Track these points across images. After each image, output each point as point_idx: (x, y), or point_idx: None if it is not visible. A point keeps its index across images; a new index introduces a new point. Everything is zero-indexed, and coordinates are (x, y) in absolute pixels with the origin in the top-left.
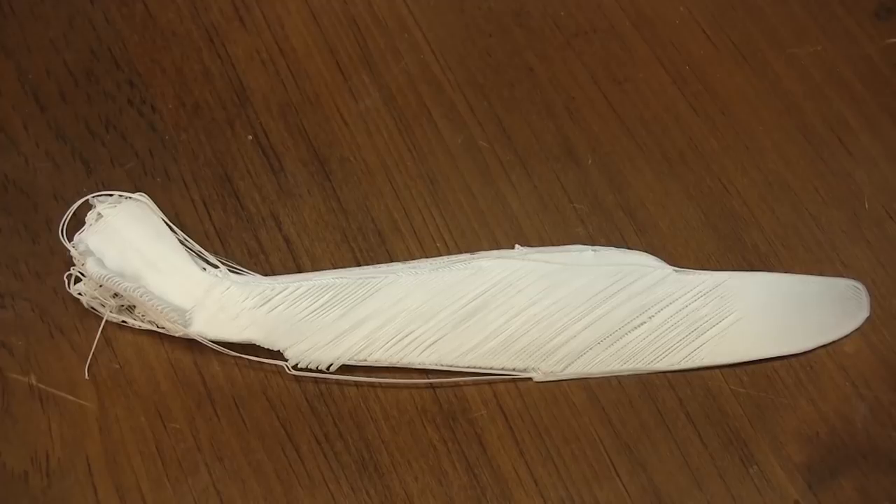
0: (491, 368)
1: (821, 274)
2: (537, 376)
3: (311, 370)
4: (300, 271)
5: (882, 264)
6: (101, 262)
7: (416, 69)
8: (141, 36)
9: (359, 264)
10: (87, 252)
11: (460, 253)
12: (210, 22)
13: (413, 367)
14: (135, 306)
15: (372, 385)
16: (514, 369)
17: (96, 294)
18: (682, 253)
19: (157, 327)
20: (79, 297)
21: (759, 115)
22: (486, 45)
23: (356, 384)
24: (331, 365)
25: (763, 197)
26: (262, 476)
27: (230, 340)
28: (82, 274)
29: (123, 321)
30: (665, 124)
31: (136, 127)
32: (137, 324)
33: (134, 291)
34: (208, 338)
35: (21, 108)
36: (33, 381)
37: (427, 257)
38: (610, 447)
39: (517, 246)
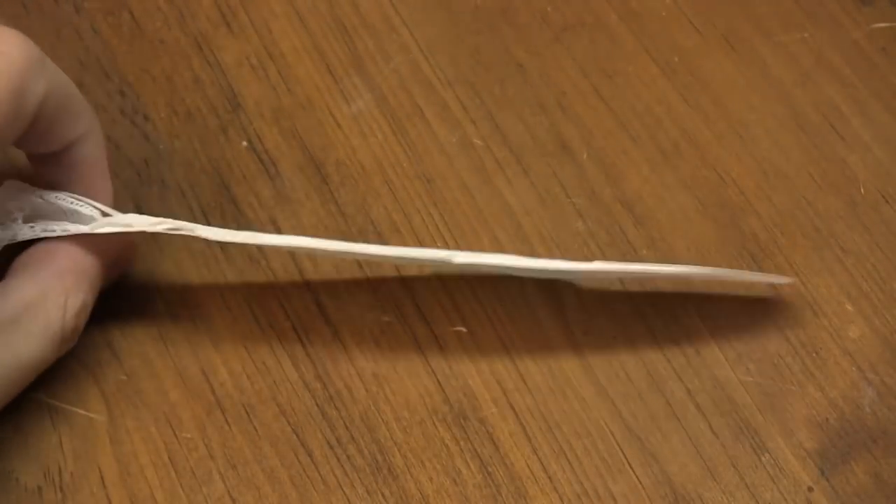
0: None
1: (820, 260)
2: (458, 258)
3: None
4: (302, 275)
5: (881, 248)
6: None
7: (407, 69)
8: (129, 45)
9: (360, 264)
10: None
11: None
12: (198, 29)
13: (327, 251)
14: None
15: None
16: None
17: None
18: (682, 244)
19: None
20: None
21: (750, 103)
22: (475, 43)
23: (365, 387)
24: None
25: (759, 185)
26: (277, 483)
27: (141, 228)
28: None
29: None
30: (657, 116)
31: (130, 137)
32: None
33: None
34: (119, 224)
35: None
36: (42, 396)
37: None
38: (622, 440)
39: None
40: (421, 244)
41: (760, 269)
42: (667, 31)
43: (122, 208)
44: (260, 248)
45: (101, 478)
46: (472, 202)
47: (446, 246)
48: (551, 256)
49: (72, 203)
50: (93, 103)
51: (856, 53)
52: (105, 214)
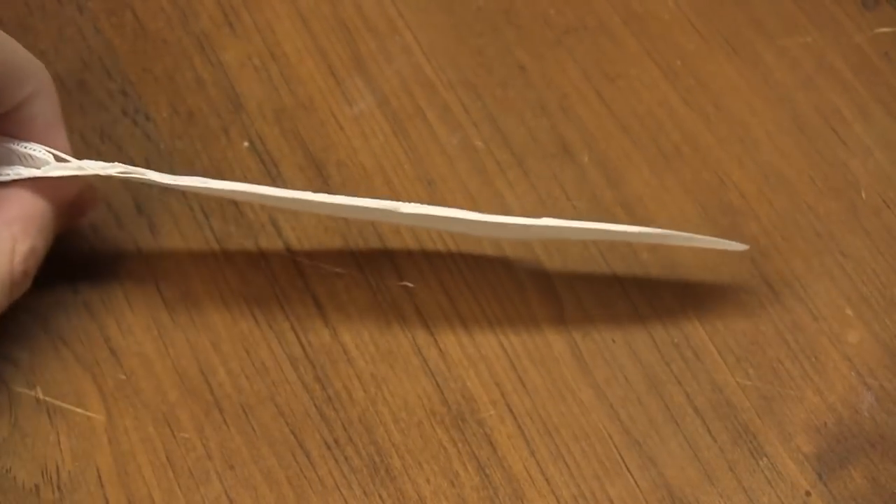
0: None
1: (821, 265)
2: (405, 207)
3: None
4: (302, 276)
5: (881, 253)
6: None
7: (409, 71)
8: (131, 45)
9: (359, 265)
10: None
11: (460, 253)
12: (200, 29)
13: (267, 196)
14: None
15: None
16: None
17: None
18: (682, 247)
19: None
20: None
21: (752, 107)
22: (477, 45)
23: (363, 388)
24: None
25: (760, 189)
26: (274, 483)
27: (93, 172)
28: None
29: None
30: (659, 119)
31: (131, 136)
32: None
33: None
34: (72, 167)
35: None
36: (40, 395)
37: (428, 258)
38: (620, 443)
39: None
40: (421, 244)
41: (761, 273)
42: (669, 35)
43: (123, 207)
44: (260, 248)
45: (99, 477)
46: (473, 204)
47: (446, 246)
48: (551, 258)
49: (25, 148)
50: (94, 102)
51: (858, 58)
52: (59, 160)
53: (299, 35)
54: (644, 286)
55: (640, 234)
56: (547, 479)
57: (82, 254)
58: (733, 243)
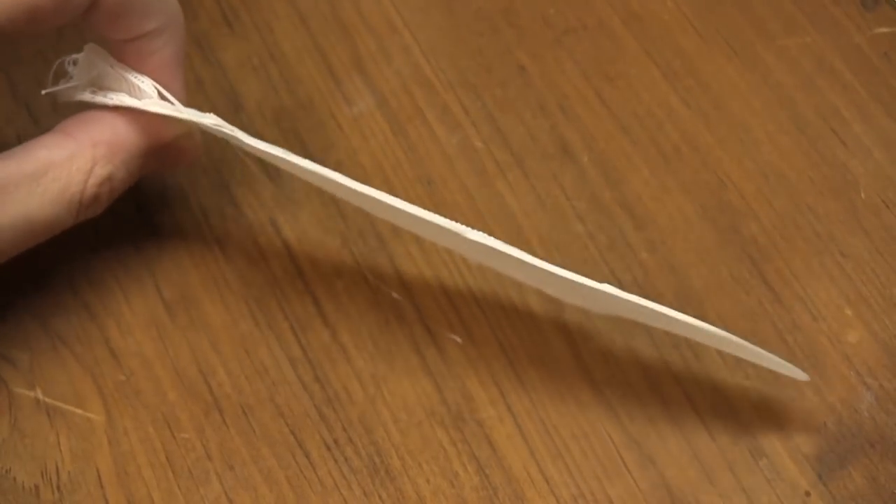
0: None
1: (820, 265)
2: (471, 234)
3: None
4: (302, 276)
5: (881, 253)
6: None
7: (408, 71)
8: None
9: (359, 265)
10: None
11: (460, 254)
12: (199, 29)
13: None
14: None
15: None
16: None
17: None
18: (681, 247)
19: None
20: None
21: (751, 107)
22: (476, 45)
23: (363, 388)
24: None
25: (760, 189)
26: (274, 483)
27: (189, 117)
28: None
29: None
30: (659, 119)
31: None
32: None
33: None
34: (170, 107)
35: (14, 121)
36: (39, 395)
37: (428, 259)
38: (619, 443)
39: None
40: (421, 246)
41: (760, 273)
42: (668, 35)
43: (123, 207)
44: (260, 249)
45: (99, 477)
46: (473, 204)
47: (446, 247)
48: (551, 259)
49: (136, 78)
50: None
51: (858, 58)
52: (164, 99)
53: (298, 35)
54: (644, 286)
55: (701, 330)
56: (546, 479)
57: (82, 254)
58: (796, 370)
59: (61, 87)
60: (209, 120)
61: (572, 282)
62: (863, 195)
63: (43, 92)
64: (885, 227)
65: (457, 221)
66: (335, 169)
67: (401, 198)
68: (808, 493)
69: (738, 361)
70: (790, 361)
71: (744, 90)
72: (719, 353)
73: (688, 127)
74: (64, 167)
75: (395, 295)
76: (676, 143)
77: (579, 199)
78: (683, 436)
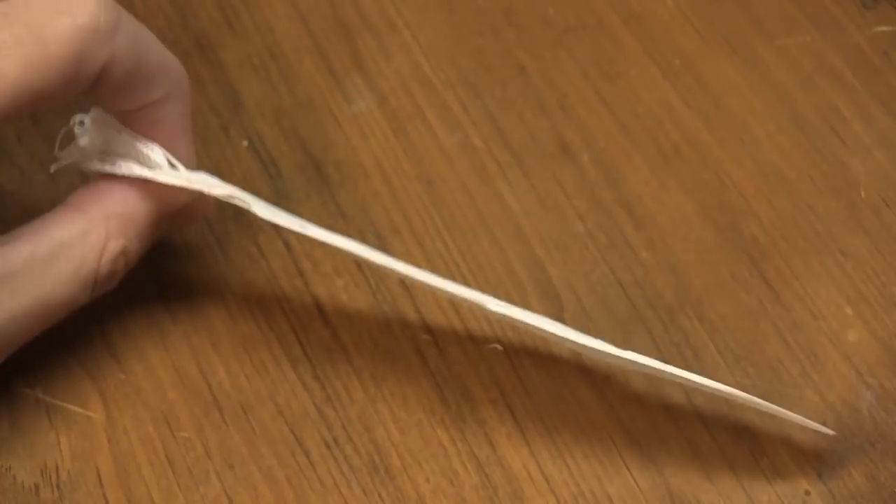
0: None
1: (820, 264)
2: (491, 305)
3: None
4: (302, 276)
5: (881, 252)
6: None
7: (408, 70)
8: None
9: (359, 265)
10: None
11: (460, 253)
12: (200, 29)
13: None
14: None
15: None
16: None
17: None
18: (681, 247)
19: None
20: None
21: (751, 106)
22: (476, 45)
23: (363, 388)
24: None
25: (760, 189)
26: (274, 482)
27: (200, 187)
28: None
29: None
30: (658, 119)
31: None
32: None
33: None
34: (182, 177)
35: (14, 121)
36: (39, 394)
37: (428, 258)
38: (620, 443)
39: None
40: (421, 245)
41: (760, 273)
42: (668, 34)
43: None
44: (260, 249)
45: (99, 476)
46: (473, 204)
47: (445, 247)
48: (551, 259)
49: (145, 146)
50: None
51: (857, 57)
52: (174, 167)
53: (298, 34)
54: (644, 286)
55: (726, 392)
56: (546, 479)
57: None
58: (822, 427)
59: (71, 159)
60: (221, 190)
61: (604, 351)
62: (863, 194)
63: (52, 168)
64: (885, 226)
65: (457, 221)
66: (336, 168)
67: (400, 197)
68: (807, 492)
69: (738, 360)
70: (788, 360)
71: (744, 90)
72: (719, 352)
73: (688, 126)
74: (77, 246)
75: (395, 294)
76: (676, 142)
77: (579, 199)
78: (684, 435)
